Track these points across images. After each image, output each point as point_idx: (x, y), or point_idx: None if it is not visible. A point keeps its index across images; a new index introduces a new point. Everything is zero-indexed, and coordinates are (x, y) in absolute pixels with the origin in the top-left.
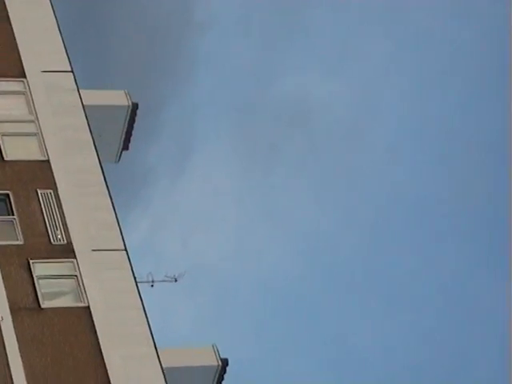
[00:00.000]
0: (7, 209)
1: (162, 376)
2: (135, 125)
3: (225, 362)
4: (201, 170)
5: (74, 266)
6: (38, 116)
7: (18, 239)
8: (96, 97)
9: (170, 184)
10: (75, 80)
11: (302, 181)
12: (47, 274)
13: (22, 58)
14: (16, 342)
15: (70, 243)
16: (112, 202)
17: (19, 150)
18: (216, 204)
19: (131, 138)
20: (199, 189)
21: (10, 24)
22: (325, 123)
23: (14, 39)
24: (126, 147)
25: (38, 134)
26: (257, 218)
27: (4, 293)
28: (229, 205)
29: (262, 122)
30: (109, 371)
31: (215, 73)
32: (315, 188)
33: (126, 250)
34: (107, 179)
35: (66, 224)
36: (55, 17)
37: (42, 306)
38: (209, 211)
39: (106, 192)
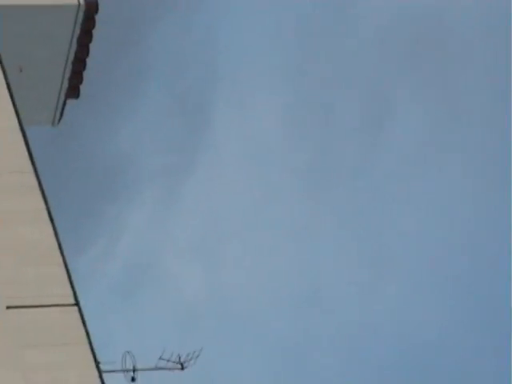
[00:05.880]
0: None
1: None
2: (91, 45)
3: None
4: (223, 156)
5: None
6: None
7: None
8: None
9: (166, 183)
10: None
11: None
12: None
13: None
14: None
15: None
16: (48, 210)
17: None
18: (247, 222)
19: (84, 75)
20: (217, 194)
21: None
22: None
23: None
24: (74, 93)
25: None
26: (326, 251)
27: None
28: (269, 225)
29: (343, 55)
30: None
31: None
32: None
33: (78, 304)
34: (38, 162)
35: None
36: None
37: None
38: (233, 238)
39: (37, 188)
